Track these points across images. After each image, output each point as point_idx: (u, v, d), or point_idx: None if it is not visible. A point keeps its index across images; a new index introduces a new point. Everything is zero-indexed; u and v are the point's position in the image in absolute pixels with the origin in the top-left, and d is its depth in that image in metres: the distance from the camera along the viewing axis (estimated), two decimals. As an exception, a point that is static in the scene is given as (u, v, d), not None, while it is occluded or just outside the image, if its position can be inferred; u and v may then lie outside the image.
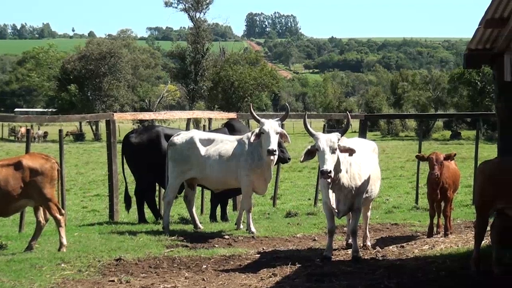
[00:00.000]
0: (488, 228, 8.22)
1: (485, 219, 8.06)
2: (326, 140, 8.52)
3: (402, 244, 9.93)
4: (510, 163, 8.05)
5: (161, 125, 14.31)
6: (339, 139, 8.60)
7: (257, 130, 10.73)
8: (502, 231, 8.17)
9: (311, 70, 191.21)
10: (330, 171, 8.36)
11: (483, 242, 8.24)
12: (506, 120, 9.23)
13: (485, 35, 9.08)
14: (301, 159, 8.85)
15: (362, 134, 14.09)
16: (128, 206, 12.85)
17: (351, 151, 8.62)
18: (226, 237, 10.71)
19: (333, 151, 8.48)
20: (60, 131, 12.54)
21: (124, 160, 12.70)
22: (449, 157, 10.27)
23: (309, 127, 8.89)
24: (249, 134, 11.09)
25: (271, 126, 10.50)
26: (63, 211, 9.80)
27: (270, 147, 10.36)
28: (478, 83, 50.31)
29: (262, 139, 10.54)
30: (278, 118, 10.88)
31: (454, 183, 10.69)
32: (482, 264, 7.95)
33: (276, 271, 8.35)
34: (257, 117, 10.91)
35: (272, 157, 10.62)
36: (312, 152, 8.70)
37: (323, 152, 8.46)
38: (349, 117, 9.37)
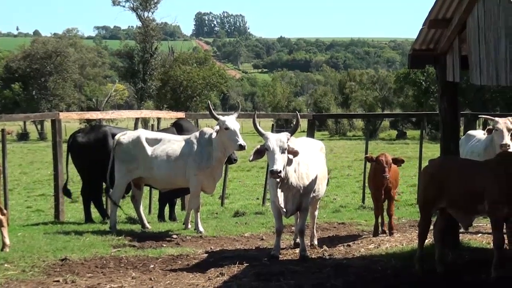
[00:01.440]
0: (432, 227, 8.37)
1: (428, 219, 8.19)
2: (275, 140, 8.55)
3: (349, 243, 10.02)
4: (451, 162, 8.21)
5: (108, 124, 14.17)
6: (288, 139, 8.64)
7: (215, 127, 10.72)
8: (445, 230, 8.33)
9: (260, 70, 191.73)
10: (280, 170, 8.39)
11: (426, 241, 8.39)
12: (448, 120, 9.38)
13: (429, 36, 9.22)
14: (250, 158, 8.89)
15: (310, 133, 14.17)
16: (68, 196, 12.73)
17: (295, 154, 8.68)
18: (174, 236, 10.66)
19: (283, 151, 8.52)
20: (3, 130, 12.36)
21: (70, 159, 12.55)
22: (398, 162, 10.38)
23: (258, 126, 8.91)
24: (197, 133, 11.09)
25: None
26: (5, 211, 9.59)
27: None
28: (423, 83, 51.05)
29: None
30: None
31: (396, 182, 10.86)
32: (425, 263, 8.09)
33: (223, 270, 8.35)
34: (216, 115, 10.89)
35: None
36: (261, 152, 8.73)
37: (273, 152, 8.48)
38: (298, 117, 9.41)
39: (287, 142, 8.59)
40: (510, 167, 7.35)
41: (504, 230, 7.60)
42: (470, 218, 7.96)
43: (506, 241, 7.64)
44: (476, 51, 8.16)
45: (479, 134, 11.72)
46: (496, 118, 10.66)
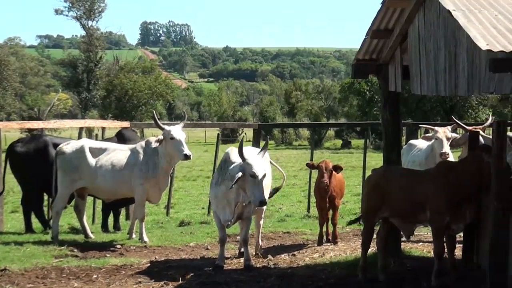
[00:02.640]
0: (375, 236, 8.46)
1: (371, 227, 8.30)
2: (262, 167, 8.50)
3: (294, 253, 10.07)
4: (394, 172, 8.32)
5: (50, 134, 13.94)
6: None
7: (159, 137, 10.65)
8: (387, 239, 8.44)
9: (206, 79, 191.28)
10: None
11: (370, 250, 8.49)
12: (390, 130, 9.49)
13: (372, 46, 9.34)
14: (232, 186, 8.51)
15: (256, 143, 14.21)
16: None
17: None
18: (118, 246, 10.58)
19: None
20: None
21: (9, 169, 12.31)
22: (337, 169, 10.47)
23: (243, 151, 8.59)
24: (143, 143, 11.03)
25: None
26: None
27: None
28: (367, 92, 51.68)
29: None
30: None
31: (341, 191, 10.95)
32: (368, 272, 8.18)
33: (168, 280, 8.31)
34: (161, 125, 10.84)
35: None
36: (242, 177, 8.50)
37: (260, 181, 8.41)
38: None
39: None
40: (450, 176, 7.49)
41: (444, 239, 7.72)
42: (411, 227, 8.09)
43: (445, 250, 7.77)
44: (417, 61, 8.31)
45: (421, 143, 11.92)
46: (436, 128, 10.87)
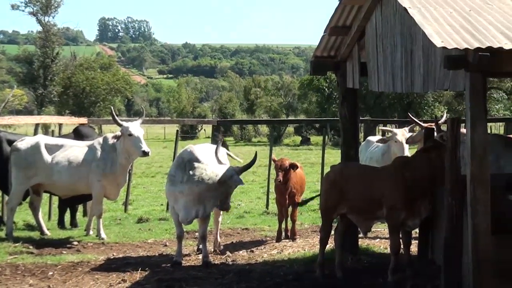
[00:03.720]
0: (333, 232, 8.51)
1: (329, 224, 8.34)
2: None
3: (252, 249, 10.08)
4: (351, 168, 8.37)
5: (4, 130, 13.70)
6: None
7: (117, 133, 10.61)
8: (345, 236, 8.50)
9: (165, 76, 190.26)
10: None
11: (328, 246, 8.54)
12: (348, 126, 9.56)
13: (330, 43, 9.39)
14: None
15: (214, 139, 14.18)
16: None
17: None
18: (75, 243, 10.50)
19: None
20: None
21: None
22: (293, 167, 10.50)
23: (218, 155, 9.07)
24: (100, 139, 10.95)
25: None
26: None
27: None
28: (326, 89, 51.90)
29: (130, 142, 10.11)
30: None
31: (301, 188, 11.00)
32: (326, 268, 8.23)
33: (125, 277, 8.26)
34: (119, 121, 10.76)
35: None
36: None
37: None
38: (256, 154, 9.25)
39: None
40: (406, 172, 7.56)
41: (401, 235, 7.80)
42: (369, 224, 8.14)
43: (402, 246, 7.86)
44: (374, 58, 8.38)
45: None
46: (395, 130, 11.00)
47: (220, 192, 8.69)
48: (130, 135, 10.54)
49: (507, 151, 8.80)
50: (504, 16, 6.72)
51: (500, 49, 5.78)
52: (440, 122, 10.26)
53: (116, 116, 10.83)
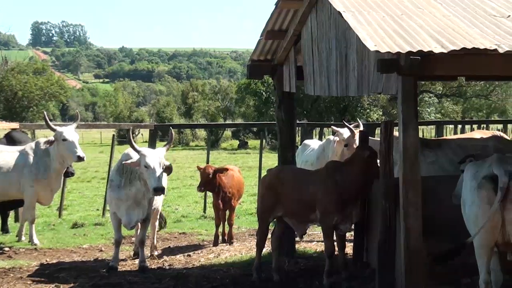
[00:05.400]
0: (270, 236, 8.53)
1: (266, 227, 8.37)
2: (155, 157, 8.37)
3: (189, 253, 10.05)
4: (287, 172, 8.40)
5: None
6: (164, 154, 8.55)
7: (50, 138, 10.43)
8: (282, 239, 8.53)
9: (101, 80, 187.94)
10: (164, 188, 8.36)
11: (265, 249, 8.56)
12: (285, 129, 9.62)
13: (266, 46, 9.43)
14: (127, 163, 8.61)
15: (152, 143, 14.07)
16: None
17: (169, 169, 8.61)
18: (6, 249, 10.30)
19: (161, 166, 8.40)
20: None
21: None
22: (222, 171, 10.49)
23: (133, 143, 8.57)
24: (33, 144, 10.74)
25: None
26: None
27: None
28: (264, 93, 52.05)
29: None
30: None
31: (239, 192, 11.00)
32: (263, 271, 8.25)
33: (59, 282, 8.12)
34: (52, 126, 10.56)
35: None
36: (136, 165, 8.47)
37: (154, 170, 8.31)
38: (172, 131, 9.15)
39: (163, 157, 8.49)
40: (338, 175, 7.62)
41: (335, 238, 7.86)
42: (304, 227, 8.18)
43: (336, 249, 7.92)
44: (310, 62, 8.45)
45: (314, 143, 12.10)
46: (341, 130, 10.88)
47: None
48: (64, 140, 10.39)
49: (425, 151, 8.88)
50: (434, 21, 6.85)
51: (431, 53, 5.88)
52: (359, 128, 10.42)
53: (49, 121, 10.64)
